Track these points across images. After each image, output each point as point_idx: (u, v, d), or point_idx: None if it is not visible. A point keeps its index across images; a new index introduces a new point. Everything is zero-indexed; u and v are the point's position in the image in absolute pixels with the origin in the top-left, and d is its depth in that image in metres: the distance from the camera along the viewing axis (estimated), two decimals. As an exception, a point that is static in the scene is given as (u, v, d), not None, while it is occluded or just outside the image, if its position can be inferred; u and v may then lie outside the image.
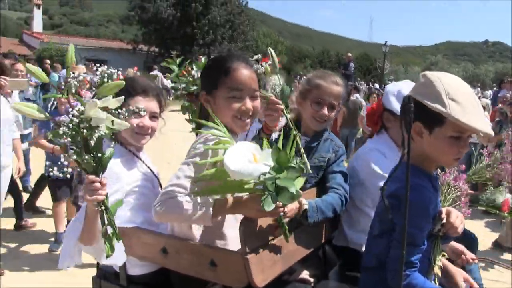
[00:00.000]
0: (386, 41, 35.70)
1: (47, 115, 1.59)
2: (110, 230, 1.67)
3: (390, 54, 44.15)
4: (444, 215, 1.89)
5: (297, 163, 1.61)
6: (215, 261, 1.78)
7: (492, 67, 63.95)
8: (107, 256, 1.67)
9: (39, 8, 38.57)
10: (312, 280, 2.24)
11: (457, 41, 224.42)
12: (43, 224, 5.92)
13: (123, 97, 1.60)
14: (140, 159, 2.26)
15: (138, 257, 2.09)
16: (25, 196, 6.55)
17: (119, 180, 2.05)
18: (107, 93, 1.60)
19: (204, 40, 34.26)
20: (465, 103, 1.74)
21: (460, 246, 2.28)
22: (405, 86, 2.45)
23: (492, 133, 1.84)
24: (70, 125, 1.53)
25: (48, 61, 16.85)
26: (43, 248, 5.19)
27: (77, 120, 1.52)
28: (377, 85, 30.18)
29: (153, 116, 2.24)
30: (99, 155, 1.62)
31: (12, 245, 5.27)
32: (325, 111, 2.44)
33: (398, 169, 1.95)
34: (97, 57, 32.41)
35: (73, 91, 1.60)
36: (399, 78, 44.61)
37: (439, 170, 2.20)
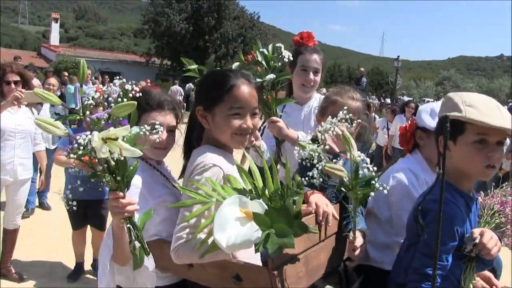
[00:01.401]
0: (398, 56, 35.64)
1: (66, 131, 1.60)
2: (138, 245, 1.68)
3: (401, 69, 44.06)
4: (477, 235, 1.83)
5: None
6: (240, 275, 1.77)
7: (507, 81, 63.37)
8: (135, 267, 1.68)
9: (56, 22, 39.19)
10: (334, 296, 2.23)
11: (471, 56, 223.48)
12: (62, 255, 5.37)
13: (128, 126, 1.59)
14: (161, 173, 2.26)
15: (160, 269, 2.09)
16: (40, 213, 6.59)
17: (144, 198, 2.05)
18: (119, 114, 1.61)
19: (216, 53, 34.46)
20: (482, 107, 1.78)
21: (488, 273, 2.22)
22: (438, 105, 2.45)
23: (509, 126, 1.79)
24: (83, 148, 1.55)
25: (66, 73, 17.03)
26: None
27: (88, 147, 1.54)
28: (388, 100, 30.15)
29: (171, 130, 2.24)
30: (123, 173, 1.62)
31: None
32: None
33: (434, 187, 1.99)
34: (110, 69, 32.78)
35: (88, 112, 1.62)
36: (410, 93, 44.60)
37: (482, 193, 2.17)
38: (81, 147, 1.54)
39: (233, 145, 2.00)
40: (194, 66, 2.71)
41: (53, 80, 6.64)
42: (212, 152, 1.92)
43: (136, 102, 1.65)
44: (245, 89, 1.95)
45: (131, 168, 1.66)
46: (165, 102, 2.22)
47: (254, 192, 1.55)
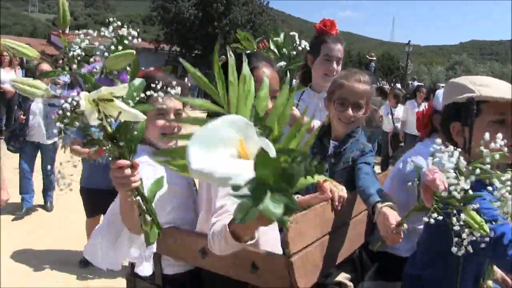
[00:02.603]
0: (409, 41, 35.29)
1: (49, 91, 1.29)
2: (149, 219, 1.53)
3: (412, 54, 43.70)
4: None
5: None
6: (257, 263, 1.74)
7: (522, 66, 62.57)
8: (148, 244, 1.58)
9: (66, 9, 39.19)
10: (350, 284, 2.20)
11: (483, 40, 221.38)
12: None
13: (126, 84, 1.35)
14: None
15: (174, 258, 2.07)
16: (42, 214, 6.50)
17: (156, 169, 1.91)
18: (116, 66, 1.35)
19: (226, 40, 34.36)
20: (494, 85, 1.72)
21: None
22: None
23: None
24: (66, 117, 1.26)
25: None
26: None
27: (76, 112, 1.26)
28: (398, 85, 29.94)
29: (178, 114, 2.14)
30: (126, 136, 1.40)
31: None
32: (350, 111, 2.32)
33: None
34: (120, 56, 32.82)
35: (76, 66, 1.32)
36: (421, 79, 44.20)
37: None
38: (67, 113, 1.25)
39: None
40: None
41: (45, 66, 6.56)
42: None
43: (134, 52, 1.38)
44: (264, 71, 1.90)
45: (137, 129, 1.42)
46: (170, 85, 2.15)
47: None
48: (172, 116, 2.09)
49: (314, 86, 3.13)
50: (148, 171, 1.87)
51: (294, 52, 2.67)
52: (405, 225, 1.68)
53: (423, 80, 42.70)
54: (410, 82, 28.81)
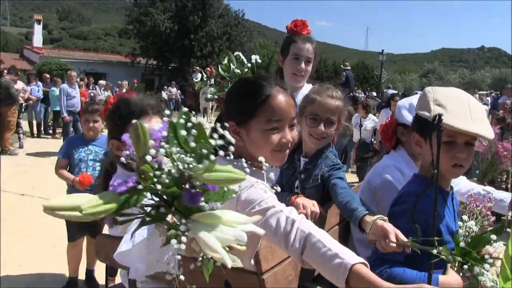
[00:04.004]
0: (382, 50, 35.85)
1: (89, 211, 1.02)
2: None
3: (386, 62, 44.28)
4: None
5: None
6: (230, 281, 1.75)
7: (489, 72, 64.08)
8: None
9: (39, 24, 38.68)
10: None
11: (453, 48, 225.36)
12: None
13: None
14: None
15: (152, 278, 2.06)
16: (28, 218, 6.45)
17: None
18: (213, 182, 1.06)
19: (202, 52, 34.39)
20: (453, 108, 1.77)
21: None
22: (416, 99, 2.47)
23: (489, 135, 1.81)
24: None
25: (47, 75, 16.83)
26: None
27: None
28: (374, 93, 30.29)
29: None
30: None
31: None
32: (321, 127, 2.29)
33: (410, 181, 2.02)
34: (95, 70, 32.61)
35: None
36: (396, 86, 44.81)
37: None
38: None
39: (273, 162, 1.77)
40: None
41: (19, 85, 6.44)
42: (248, 173, 1.68)
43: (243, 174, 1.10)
44: (281, 99, 1.71)
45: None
46: (147, 106, 2.03)
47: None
48: None
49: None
50: None
51: (246, 69, 2.73)
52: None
53: (397, 88, 43.27)
54: (385, 90, 29.17)
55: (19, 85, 13.17)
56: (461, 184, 2.62)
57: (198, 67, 23.21)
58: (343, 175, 2.30)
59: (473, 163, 2.54)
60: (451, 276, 1.85)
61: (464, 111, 1.79)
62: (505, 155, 2.87)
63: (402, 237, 1.63)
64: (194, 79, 21.07)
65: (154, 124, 1.45)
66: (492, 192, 2.50)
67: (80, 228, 4.40)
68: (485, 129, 1.81)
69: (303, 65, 3.06)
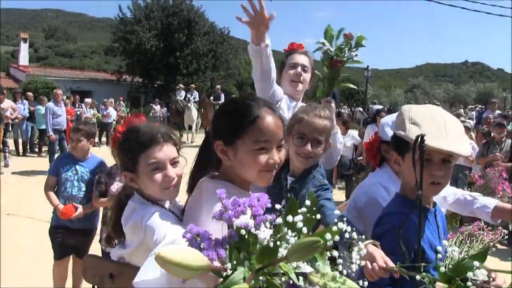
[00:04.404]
0: (368, 66, 36.12)
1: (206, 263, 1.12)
2: None
3: (371, 78, 44.62)
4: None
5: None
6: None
7: (473, 87, 64.90)
8: None
9: (25, 42, 38.54)
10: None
11: (437, 63, 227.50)
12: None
13: None
14: (174, 213, 1.94)
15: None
16: (11, 237, 6.41)
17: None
18: (300, 258, 1.12)
19: (188, 69, 34.43)
20: (428, 126, 1.79)
21: None
22: None
23: (464, 152, 1.83)
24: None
25: (31, 94, 16.76)
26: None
27: None
28: (360, 109, 30.49)
29: (174, 162, 1.93)
30: None
31: None
32: (309, 147, 2.28)
33: (391, 201, 2.05)
34: (81, 88, 32.45)
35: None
36: (382, 102, 45.14)
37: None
38: None
39: (260, 182, 1.77)
40: None
41: (7, 103, 6.45)
42: (235, 195, 1.60)
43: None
44: (270, 120, 1.71)
45: None
46: (158, 134, 1.91)
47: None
48: (169, 167, 1.88)
49: (287, 93, 3.15)
50: (167, 216, 1.78)
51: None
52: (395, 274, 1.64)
53: (383, 103, 43.60)
54: (370, 106, 29.37)
55: (7, 103, 13.19)
56: (446, 192, 2.60)
57: (181, 85, 23.25)
58: (331, 195, 2.28)
59: (459, 176, 2.62)
60: None
61: (438, 129, 1.81)
62: (499, 189, 2.89)
63: (390, 263, 1.62)
64: (178, 97, 21.12)
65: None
66: (478, 197, 2.49)
67: (66, 247, 4.45)
68: (460, 147, 1.82)
69: (299, 69, 3.10)
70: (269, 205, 1.22)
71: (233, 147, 1.72)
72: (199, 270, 1.12)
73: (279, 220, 1.15)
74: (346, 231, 1.18)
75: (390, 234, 1.75)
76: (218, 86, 21.60)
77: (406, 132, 1.81)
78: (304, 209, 1.17)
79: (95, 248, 4.41)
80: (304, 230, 1.13)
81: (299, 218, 1.14)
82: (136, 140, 1.87)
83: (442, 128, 1.83)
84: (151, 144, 1.87)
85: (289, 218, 1.14)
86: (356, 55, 2.96)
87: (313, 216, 1.19)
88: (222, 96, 20.05)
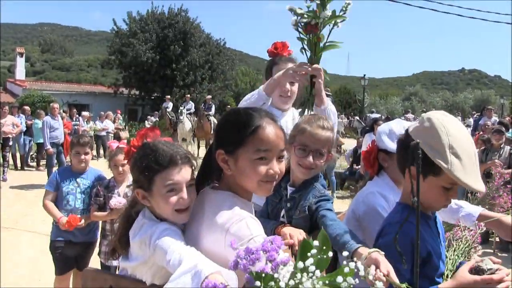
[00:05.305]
0: (364, 74, 36.30)
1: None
2: None
3: (368, 87, 44.83)
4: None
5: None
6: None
7: (471, 94, 65.05)
8: None
9: (22, 56, 38.64)
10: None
11: (434, 71, 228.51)
12: None
13: None
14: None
15: None
16: (10, 251, 6.37)
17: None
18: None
19: (184, 81, 34.54)
20: (466, 159, 1.74)
21: None
22: (396, 125, 2.48)
23: (483, 190, 1.85)
24: None
25: (28, 108, 16.77)
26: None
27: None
28: (357, 117, 30.60)
29: (190, 185, 1.88)
30: None
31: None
32: (310, 158, 2.24)
33: (393, 211, 2.01)
34: (79, 101, 32.53)
35: None
36: (379, 110, 45.28)
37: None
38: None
39: (259, 193, 1.81)
40: None
41: (9, 119, 6.37)
42: (238, 205, 1.74)
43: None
44: (271, 130, 1.74)
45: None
46: (177, 156, 1.87)
47: None
48: (184, 190, 1.84)
49: (274, 105, 3.11)
50: (176, 234, 1.78)
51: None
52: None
53: (380, 111, 43.72)
54: (368, 115, 29.45)
55: (10, 119, 13.22)
56: None
57: (168, 96, 23.27)
58: (331, 206, 2.25)
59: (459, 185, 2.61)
60: None
61: (472, 164, 1.78)
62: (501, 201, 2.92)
63: (394, 276, 1.59)
64: (166, 108, 21.13)
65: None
66: (464, 205, 2.50)
67: (67, 261, 4.40)
68: (482, 185, 1.81)
69: (287, 86, 3.01)
70: (283, 245, 1.24)
71: (234, 156, 1.74)
72: None
73: (290, 267, 1.17)
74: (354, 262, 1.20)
75: (393, 245, 1.71)
76: (209, 97, 21.55)
77: (449, 165, 1.73)
78: (314, 251, 1.18)
79: (94, 261, 4.37)
80: (318, 273, 1.15)
81: (310, 261, 1.15)
82: (155, 159, 1.83)
83: (473, 164, 1.79)
84: (169, 165, 1.83)
85: (300, 264, 1.15)
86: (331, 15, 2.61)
87: (325, 256, 1.19)
88: (213, 107, 20.06)
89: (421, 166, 1.63)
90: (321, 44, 2.67)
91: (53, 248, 4.39)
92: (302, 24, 2.63)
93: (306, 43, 2.69)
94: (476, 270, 1.79)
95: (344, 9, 2.62)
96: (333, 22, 2.61)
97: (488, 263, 1.80)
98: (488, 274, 1.76)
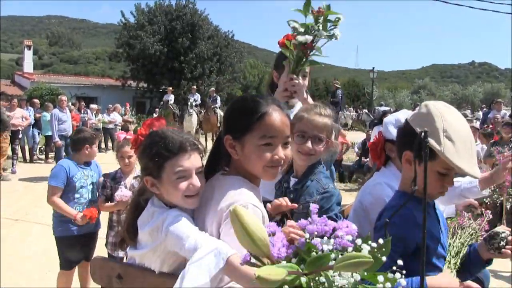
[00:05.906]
0: (373, 67, 36.09)
1: None
2: None
3: (377, 80, 44.63)
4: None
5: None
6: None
7: (481, 87, 64.44)
8: None
9: (29, 49, 38.84)
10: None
11: (443, 64, 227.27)
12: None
13: None
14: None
15: None
16: (19, 245, 6.41)
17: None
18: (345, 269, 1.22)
19: (192, 74, 34.52)
20: (459, 144, 1.76)
21: (475, 285, 1.91)
22: (402, 115, 2.46)
23: (479, 176, 1.91)
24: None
25: (37, 101, 16.82)
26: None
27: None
28: (366, 110, 30.49)
29: (199, 172, 1.92)
30: None
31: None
32: (309, 144, 2.29)
33: (393, 198, 2.03)
34: (87, 94, 32.68)
35: None
36: (387, 103, 45.12)
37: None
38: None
39: (265, 178, 1.87)
40: None
41: (19, 112, 6.32)
42: (246, 187, 1.80)
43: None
44: (277, 117, 1.80)
45: None
46: (187, 143, 1.90)
47: None
48: (194, 176, 1.87)
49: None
50: (187, 219, 1.81)
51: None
52: None
53: (389, 104, 43.55)
54: (376, 108, 29.31)
55: (19, 112, 13.28)
56: None
57: (170, 88, 23.21)
58: (335, 206, 2.24)
59: None
60: (443, 278, 1.85)
61: (467, 149, 1.79)
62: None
63: None
64: (168, 101, 21.04)
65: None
66: (460, 180, 2.56)
67: (73, 257, 4.39)
68: (477, 171, 1.84)
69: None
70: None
71: (241, 141, 1.81)
72: (257, 243, 1.28)
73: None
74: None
75: (383, 228, 1.71)
76: (213, 89, 21.52)
77: (441, 147, 1.74)
78: (374, 245, 1.27)
79: (101, 253, 4.37)
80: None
81: (367, 249, 1.25)
82: (165, 146, 1.85)
83: (470, 148, 1.81)
84: (179, 152, 1.86)
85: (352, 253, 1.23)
86: (331, 33, 2.62)
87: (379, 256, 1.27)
88: (218, 99, 19.98)
89: (417, 151, 1.68)
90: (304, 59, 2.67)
91: (59, 244, 4.37)
92: (297, 42, 2.62)
93: (289, 54, 2.69)
94: (490, 236, 1.93)
95: (335, 24, 2.61)
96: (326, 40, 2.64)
97: (502, 228, 1.96)
98: (502, 237, 1.92)
